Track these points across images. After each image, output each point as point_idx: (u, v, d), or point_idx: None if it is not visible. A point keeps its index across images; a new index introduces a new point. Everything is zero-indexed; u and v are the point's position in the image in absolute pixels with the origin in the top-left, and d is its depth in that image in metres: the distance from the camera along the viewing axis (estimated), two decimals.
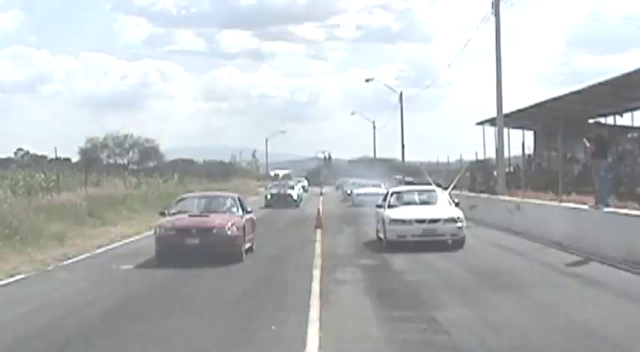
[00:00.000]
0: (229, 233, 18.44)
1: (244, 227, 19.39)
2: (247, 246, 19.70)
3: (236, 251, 18.48)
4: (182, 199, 21.73)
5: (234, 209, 20.26)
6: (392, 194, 23.84)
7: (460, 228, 20.96)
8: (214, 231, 18.39)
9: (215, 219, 18.97)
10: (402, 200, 23.21)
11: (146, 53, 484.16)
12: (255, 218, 21.80)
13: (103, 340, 10.37)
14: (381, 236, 22.13)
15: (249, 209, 21.22)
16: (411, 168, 71.89)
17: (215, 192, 27.27)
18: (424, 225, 20.92)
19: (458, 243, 20.79)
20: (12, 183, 32.23)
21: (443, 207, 22.31)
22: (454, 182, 35.03)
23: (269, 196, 49.30)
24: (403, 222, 21.12)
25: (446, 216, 21.09)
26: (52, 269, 18.28)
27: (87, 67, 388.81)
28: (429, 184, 29.95)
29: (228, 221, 18.82)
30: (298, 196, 50.64)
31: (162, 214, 20.26)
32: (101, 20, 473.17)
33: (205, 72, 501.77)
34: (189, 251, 18.10)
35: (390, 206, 22.47)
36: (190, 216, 19.52)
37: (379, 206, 23.11)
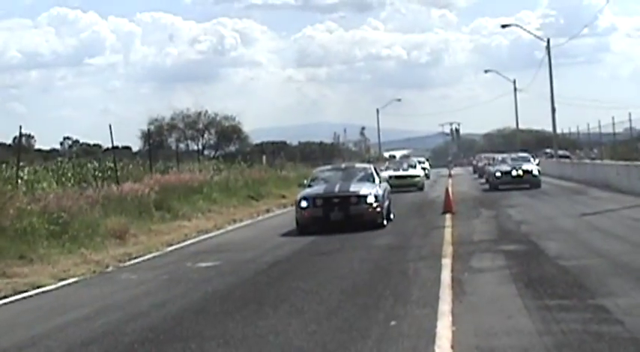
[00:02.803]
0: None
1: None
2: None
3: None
4: None
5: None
6: None
7: None
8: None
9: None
10: None
11: (220, 10, 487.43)
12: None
13: (175, 344, 10.51)
14: None
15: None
16: (565, 139, 70.77)
17: None
18: None
19: None
20: (58, 173, 32.92)
21: None
22: None
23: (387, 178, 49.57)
24: None
25: None
26: (112, 271, 18.78)
27: (146, 31, 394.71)
28: None
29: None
30: (422, 177, 50.90)
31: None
32: None
33: (297, 30, 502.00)
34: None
35: None
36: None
37: None
